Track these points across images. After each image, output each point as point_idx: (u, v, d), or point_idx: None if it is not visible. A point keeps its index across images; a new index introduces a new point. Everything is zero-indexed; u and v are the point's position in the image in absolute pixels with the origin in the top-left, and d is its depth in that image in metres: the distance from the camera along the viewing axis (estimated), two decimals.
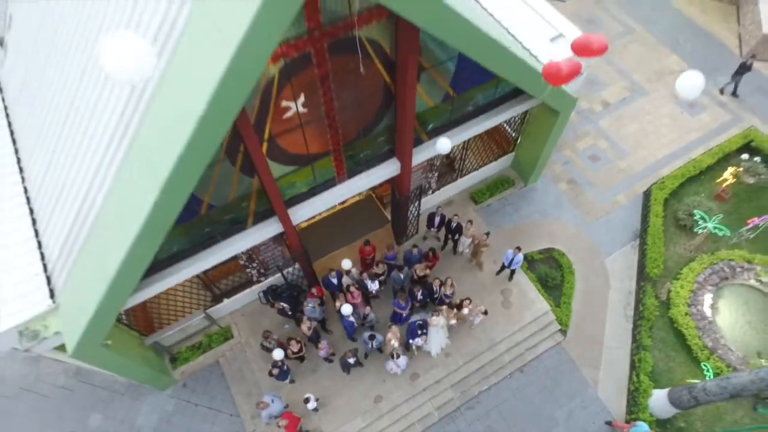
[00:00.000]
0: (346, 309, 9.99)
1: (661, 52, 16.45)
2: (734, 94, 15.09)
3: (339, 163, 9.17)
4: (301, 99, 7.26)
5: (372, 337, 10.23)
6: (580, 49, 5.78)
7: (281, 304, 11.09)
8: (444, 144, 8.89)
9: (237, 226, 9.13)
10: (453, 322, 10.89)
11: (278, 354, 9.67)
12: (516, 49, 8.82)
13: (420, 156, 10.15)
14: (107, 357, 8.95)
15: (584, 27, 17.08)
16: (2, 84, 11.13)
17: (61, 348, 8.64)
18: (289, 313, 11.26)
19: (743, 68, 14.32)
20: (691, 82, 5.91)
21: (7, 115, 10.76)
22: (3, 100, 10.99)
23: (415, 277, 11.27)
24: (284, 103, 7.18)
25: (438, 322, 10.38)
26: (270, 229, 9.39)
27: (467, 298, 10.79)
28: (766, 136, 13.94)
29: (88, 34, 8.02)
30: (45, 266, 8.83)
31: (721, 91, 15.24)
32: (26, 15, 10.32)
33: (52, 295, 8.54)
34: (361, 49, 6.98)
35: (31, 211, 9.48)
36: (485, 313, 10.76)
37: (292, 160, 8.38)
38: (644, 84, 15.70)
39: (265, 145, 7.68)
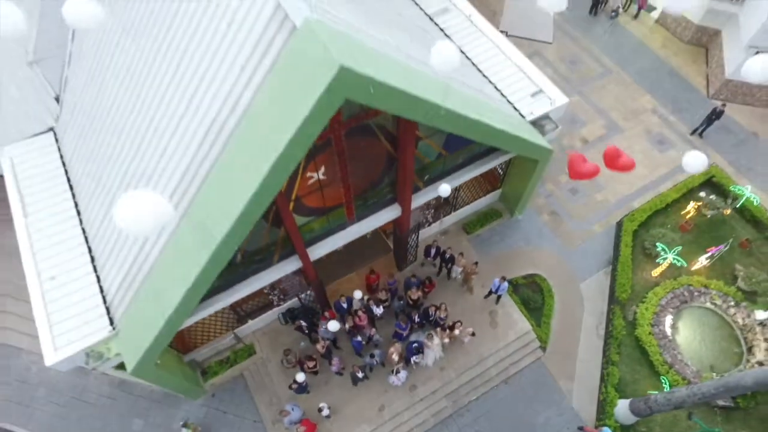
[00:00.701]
0: (333, 325, 11.41)
1: (636, 91, 18.22)
2: (700, 135, 16.86)
3: (350, 211, 10.94)
4: (322, 170, 9.03)
5: (372, 356, 12.01)
6: (610, 157, 7.51)
7: (300, 321, 12.86)
8: (445, 189, 10.58)
9: (264, 263, 10.90)
10: (446, 340, 12.66)
11: (300, 377, 11.45)
12: (502, 120, 10.56)
13: (418, 201, 11.93)
14: (156, 373, 10.70)
15: (567, 67, 18.87)
16: (58, 135, 12.87)
17: (120, 366, 10.44)
18: (306, 331, 13.05)
19: (714, 114, 16.06)
20: (695, 161, 7.48)
21: (64, 164, 12.51)
22: (59, 149, 12.74)
23: (410, 301, 13.04)
24: (309, 174, 8.95)
25: (433, 344, 12.14)
26: (292, 265, 11.18)
27: (458, 321, 12.59)
28: (725, 172, 15.71)
29: (148, 106, 9.75)
30: (104, 299, 10.60)
31: (692, 132, 16.97)
32: (83, 80, 12.03)
33: (111, 322, 10.32)
34: (370, 131, 8.76)
35: (90, 250, 11.25)
36: (473, 334, 12.54)
37: (313, 212, 10.15)
38: (620, 122, 17.47)
39: (291, 204, 9.44)
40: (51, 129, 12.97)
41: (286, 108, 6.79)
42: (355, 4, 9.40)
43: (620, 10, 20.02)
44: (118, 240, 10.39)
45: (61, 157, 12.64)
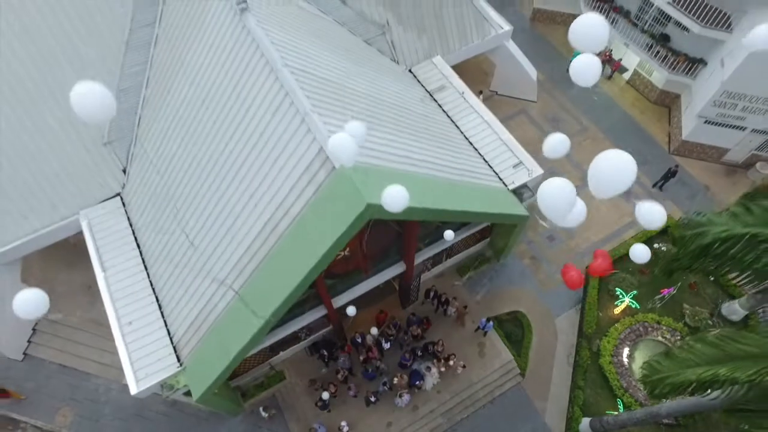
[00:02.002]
0: (351, 310, 13.70)
1: (608, 147, 20.95)
2: (660, 188, 19.73)
3: (365, 270, 13.80)
4: (347, 249, 11.89)
5: (384, 384, 14.92)
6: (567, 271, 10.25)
7: (323, 350, 15.75)
8: (449, 234, 13.32)
9: (298, 312, 13.76)
10: (442, 369, 15.53)
11: (325, 395, 14.36)
12: (487, 202, 13.40)
13: (419, 258, 14.80)
14: (214, 399, 13.54)
15: (550, 124, 21.73)
16: (125, 200, 15.69)
17: (187, 394, 13.30)
18: (326, 361, 15.92)
19: (669, 173, 18.95)
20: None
21: (131, 225, 15.32)
22: (126, 212, 15.54)
23: (412, 336, 15.94)
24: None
25: (431, 373, 15.03)
26: (319, 312, 14.05)
27: (453, 354, 15.47)
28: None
29: (209, 199, 12.59)
30: (171, 340, 13.44)
31: (654, 186, 19.85)
32: (149, 158, 14.86)
33: (178, 359, 13.17)
34: (383, 221, 11.63)
35: (157, 299, 14.08)
36: (464, 366, 15.42)
37: (337, 275, 13.01)
38: None
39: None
40: (118, 194, 15.80)
41: (325, 225, 9.67)
42: (378, 118, 12.31)
43: None
44: (183, 297, 13.24)
45: (128, 219, 15.47)
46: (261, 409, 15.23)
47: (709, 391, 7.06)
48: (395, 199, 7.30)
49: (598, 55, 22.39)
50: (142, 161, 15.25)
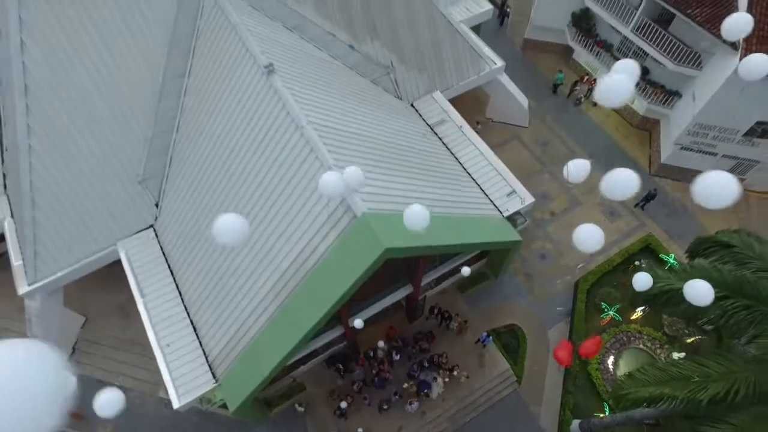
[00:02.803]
0: (358, 323, 14.94)
1: (593, 170, 22.82)
2: (642, 208, 21.59)
3: (377, 294, 15.55)
4: None
5: (395, 393, 16.68)
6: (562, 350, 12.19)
7: (338, 364, 17.51)
8: (466, 270, 15.09)
9: (319, 331, 15.49)
10: (447, 379, 17.31)
11: (343, 404, 16.11)
12: (483, 232, 15.20)
13: (425, 281, 16.57)
14: (246, 410, 15.23)
15: (540, 149, 23.54)
16: (157, 231, 17.37)
17: (223, 407, 15.01)
18: (342, 373, 17.67)
19: (649, 195, 20.81)
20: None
21: (164, 253, 17.00)
22: (159, 242, 17.23)
23: (420, 349, 17.73)
24: None
25: (438, 384, 16.81)
26: (337, 331, 15.79)
27: (456, 365, 17.25)
28: (659, 240, 20.43)
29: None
30: (206, 358, 15.14)
31: (635, 206, 21.70)
32: (180, 196, 16.53)
33: (213, 376, 14.87)
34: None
35: (191, 322, 15.76)
36: (467, 377, 17.21)
37: (354, 299, 14.75)
38: (580, 197, 22.15)
39: None
40: (151, 226, 17.47)
41: (348, 264, 11.42)
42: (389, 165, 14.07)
43: (583, 98, 24.71)
44: (216, 321, 14.95)
45: (161, 248, 17.14)
46: (296, 405, 17.23)
47: (659, 404, 8.86)
48: (416, 218, 8.37)
49: (585, 81, 23.86)
50: (173, 197, 16.93)
